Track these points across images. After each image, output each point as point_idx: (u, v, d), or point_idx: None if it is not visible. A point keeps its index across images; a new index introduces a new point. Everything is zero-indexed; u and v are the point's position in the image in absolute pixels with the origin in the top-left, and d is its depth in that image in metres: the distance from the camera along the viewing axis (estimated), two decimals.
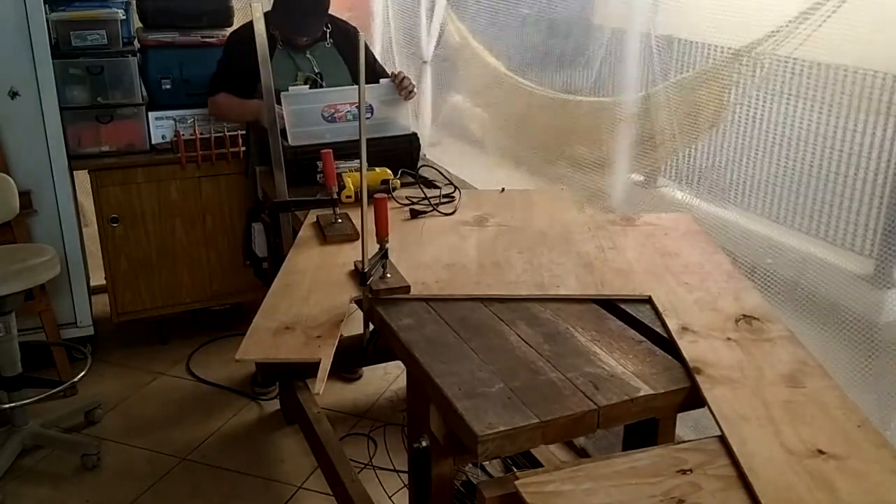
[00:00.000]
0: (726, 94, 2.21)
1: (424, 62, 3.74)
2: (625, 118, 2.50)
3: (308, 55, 2.90)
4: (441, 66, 3.70)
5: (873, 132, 1.85)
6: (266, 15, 2.65)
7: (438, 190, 2.53)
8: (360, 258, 1.86)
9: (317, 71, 2.89)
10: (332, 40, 2.97)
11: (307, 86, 2.82)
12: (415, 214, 2.37)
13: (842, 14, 1.81)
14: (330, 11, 2.99)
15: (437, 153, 3.57)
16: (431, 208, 2.39)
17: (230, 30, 3.42)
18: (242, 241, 2.90)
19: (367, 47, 2.74)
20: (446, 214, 2.37)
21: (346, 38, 3.01)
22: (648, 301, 1.85)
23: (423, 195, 2.44)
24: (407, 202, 2.44)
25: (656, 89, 2.39)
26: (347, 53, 2.96)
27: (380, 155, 2.55)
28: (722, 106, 2.24)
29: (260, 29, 2.23)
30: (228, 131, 3.36)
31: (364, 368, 3.31)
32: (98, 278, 3.54)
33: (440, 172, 2.72)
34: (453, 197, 2.50)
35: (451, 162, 3.41)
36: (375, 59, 3.25)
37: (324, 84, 2.89)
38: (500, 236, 2.22)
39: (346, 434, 2.95)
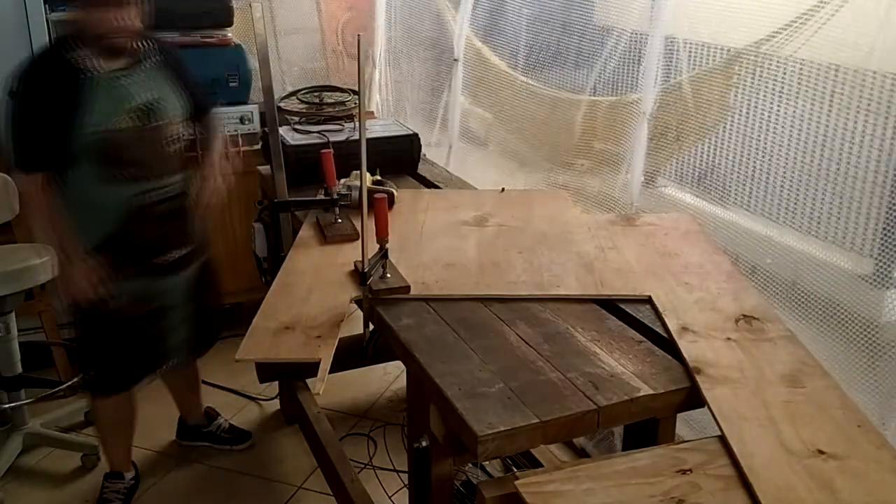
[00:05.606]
0: (730, 95, 2.21)
1: (455, 60, 3.49)
2: (629, 118, 2.50)
3: (133, 79, 2.16)
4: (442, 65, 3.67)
5: (873, 132, 1.85)
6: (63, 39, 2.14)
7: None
8: (360, 258, 1.86)
9: (148, 98, 2.17)
10: (154, 59, 2.26)
11: (135, 119, 2.13)
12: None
13: (842, 14, 1.81)
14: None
15: (442, 154, 3.55)
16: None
17: (229, 30, 3.41)
18: None
19: (186, 65, 2.33)
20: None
21: (167, 52, 2.33)
22: (648, 301, 1.85)
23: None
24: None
25: (660, 90, 2.39)
26: (174, 72, 2.30)
27: (379, 156, 2.55)
28: (725, 106, 2.24)
29: (260, 30, 2.22)
30: (229, 131, 3.36)
31: (364, 368, 3.30)
32: None
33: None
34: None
35: (456, 163, 3.40)
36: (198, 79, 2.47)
37: (157, 113, 2.18)
38: (500, 236, 2.22)
39: (346, 434, 2.95)
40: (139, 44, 2.20)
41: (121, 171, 2.15)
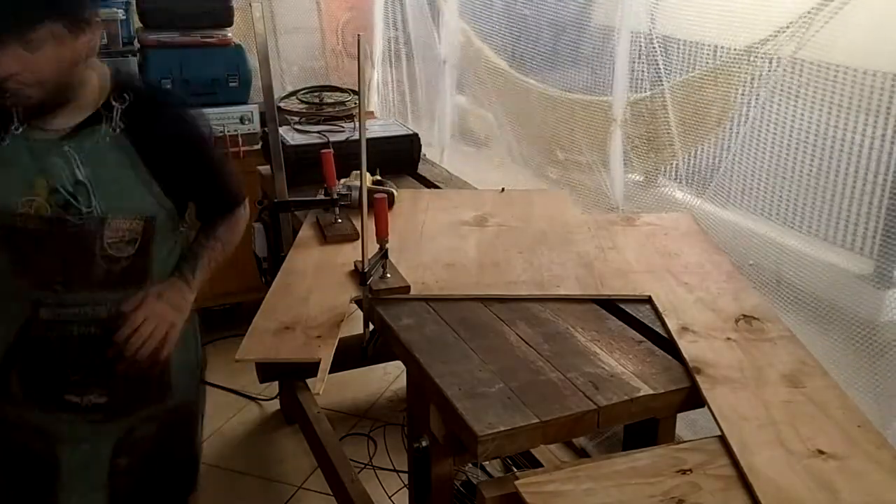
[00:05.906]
0: (731, 95, 2.21)
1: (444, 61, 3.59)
2: (626, 118, 2.50)
3: (68, 148, 1.49)
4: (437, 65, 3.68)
5: (873, 132, 1.85)
6: None
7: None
8: (360, 258, 1.86)
9: (80, 178, 1.49)
10: (122, 124, 1.52)
11: (49, 210, 1.49)
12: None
13: (843, 15, 1.81)
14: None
15: (441, 154, 3.55)
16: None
17: (229, 30, 3.41)
18: None
19: (205, 147, 1.67)
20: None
21: (154, 119, 1.56)
22: (648, 301, 1.85)
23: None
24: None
25: (659, 90, 2.39)
26: (150, 149, 1.54)
27: (379, 156, 2.55)
28: (727, 107, 2.24)
29: (260, 29, 2.22)
30: (229, 131, 3.36)
31: (364, 368, 3.30)
32: None
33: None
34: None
35: (454, 163, 3.41)
36: (215, 166, 1.74)
37: (93, 203, 1.50)
38: (500, 236, 2.22)
39: (346, 434, 2.95)
40: (107, 102, 1.52)
41: (22, 268, 1.55)
